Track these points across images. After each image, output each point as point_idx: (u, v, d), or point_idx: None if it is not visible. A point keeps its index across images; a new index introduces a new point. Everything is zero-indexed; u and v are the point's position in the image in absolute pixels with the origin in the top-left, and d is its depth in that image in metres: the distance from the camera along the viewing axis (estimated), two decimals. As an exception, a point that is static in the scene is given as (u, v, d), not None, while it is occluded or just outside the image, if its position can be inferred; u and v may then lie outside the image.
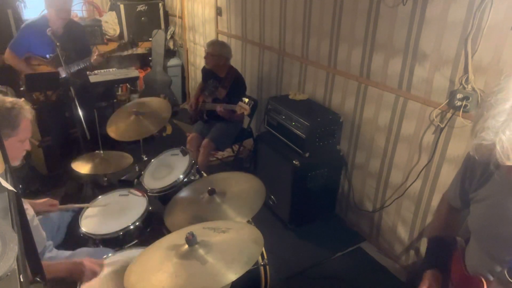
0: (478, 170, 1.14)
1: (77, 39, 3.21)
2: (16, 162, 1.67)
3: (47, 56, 3.08)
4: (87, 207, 2.10)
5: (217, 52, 3.23)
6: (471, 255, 1.20)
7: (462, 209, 1.31)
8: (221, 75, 3.32)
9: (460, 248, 1.28)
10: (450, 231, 1.37)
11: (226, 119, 3.26)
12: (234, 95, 3.22)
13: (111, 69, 4.18)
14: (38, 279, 0.94)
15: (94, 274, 1.63)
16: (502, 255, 1.08)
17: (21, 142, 1.63)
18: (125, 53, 3.34)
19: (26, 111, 1.63)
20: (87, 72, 3.28)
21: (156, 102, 2.72)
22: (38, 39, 3.03)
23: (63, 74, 2.96)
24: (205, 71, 3.47)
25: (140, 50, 4.99)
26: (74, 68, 3.05)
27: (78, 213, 2.08)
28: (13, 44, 3.09)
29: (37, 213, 1.99)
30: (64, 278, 1.63)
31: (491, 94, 0.92)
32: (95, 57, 3.13)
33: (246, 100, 2.90)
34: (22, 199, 1.20)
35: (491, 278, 1.12)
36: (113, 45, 4.75)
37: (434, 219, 1.87)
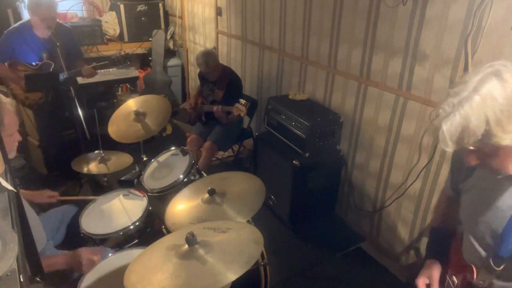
0: (464, 162, 1.17)
1: (65, 43, 3.09)
2: (11, 155, 1.65)
3: (33, 63, 3.01)
4: (91, 201, 2.10)
5: (213, 65, 3.25)
6: (464, 244, 1.25)
7: (457, 200, 1.33)
8: (216, 78, 3.34)
9: (459, 236, 1.31)
10: (449, 222, 1.40)
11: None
12: (231, 95, 3.23)
13: (111, 69, 4.18)
14: (38, 279, 0.94)
15: (92, 263, 1.64)
16: (487, 240, 1.11)
17: (10, 136, 1.59)
18: (119, 67, 3.33)
19: (7, 104, 1.58)
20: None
21: (156, 101, 2.72)
22: (22, 45, 2.96)
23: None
24: (201, 75, 3.49)
25: (140, 50, 4.99)
26: (64, 75, 2.96)
27: (78, 213, 2.08)
28: None
29: (39, 209, 2.00)
30: (64, 270, 1.65)
31: (455, 84, 0.96)
32: (86, 69, 3.08)
33: (243, 101, 2.91)
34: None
35: (480, 265, 1.15)
36: (113, 46, 4.76)
37: (434, 211, 1.92)
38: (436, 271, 1.31)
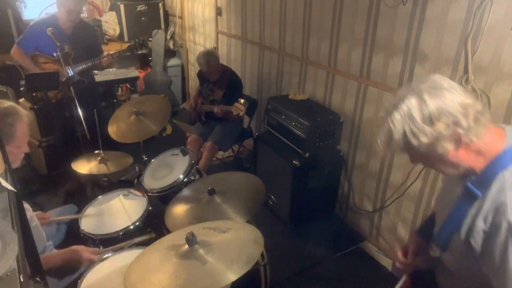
0: None
1: (87, 39, 3.20)
2: (15, 165, 1.65)
3: (54, 54, 3.08)
4: (80, 217, 2.06)
5: (214, 65, 3.26)
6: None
7: None
8: (217, 78, 3.34)
9: None
10: None
11: (224, 119, 3.28)
12: (231, 95, 3.23)
13: (111, 69, 4.18)
14: (38, 279, 0.94)
15: (91, 260, 1.64)
16: (438, 225, 1.23)
17: (18, 148, 1.59)
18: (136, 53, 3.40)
19: (22, 115, 1.58)
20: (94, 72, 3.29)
21: (156, 101, 2.72)
22: (46, 37, 3.01)
23: (68, 74, 2.96)
24: (201, 75, 3.50)
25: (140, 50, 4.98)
26: (79, 67, 3.03)
27: (78, 213, 2.08)
28: (20, 40, 3.09)
29: (37, 206, 1.99)
30: (62, 266, 1.65)
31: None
32: (104, 58, 3.14)
33: (242, 100, 2.92)
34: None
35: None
36: (113, 46, 4.76)
37: None
38: (413, 245, 1.42)
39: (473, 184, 1.05)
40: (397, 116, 1.02)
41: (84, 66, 3.05)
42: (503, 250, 0.97)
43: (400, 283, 1.38)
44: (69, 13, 2.98)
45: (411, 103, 1.01)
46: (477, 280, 1.11)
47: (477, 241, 1.04)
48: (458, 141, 1.00)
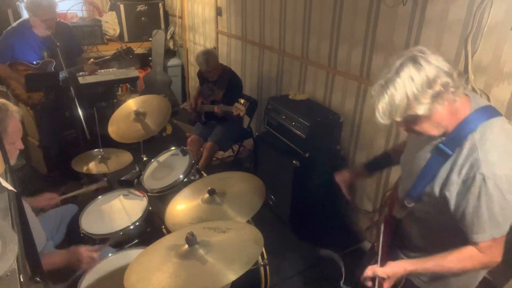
0: None
1: (65, 41, 3.08)
2: (11, 162, 1.65)
3: (34, 62, 3.01)
4: (85, 191, 2.13)
5: (213, 64, 3.26)
6: (400, 184, 1.53)
7: None
8: (216, 77, 3.35)
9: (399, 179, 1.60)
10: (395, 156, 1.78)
11: (224, 119, 3.28)
12: (231, 95, 3.24)
13: (111, 69, 4.17)
14: (38, 279, 0.94)
15: (92, 259, 1.64)
16: (407, 182, 1.37)
17: (12, 144, 1.59)
18: (121, 62, 3.34)
19: (14, 112, 1.58)
20: (77, 74, 3.21)
21: (156, 101, 2.72)
22: (23, 45, 2.95)
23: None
24: (200, 75, 3.50)
25: (140, 50, 4.98)
26: (64, 74, 2.92)
27: (78, 213, 2.08)
28: None
29: (40, 209, 2.00)
30: (63, 267, 1.65)
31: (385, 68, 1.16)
32: (88, 65, 3.10)
33: (242, 101, 2.92)
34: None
35: (400, 200, 1.43)
36: (113, 46, 4.76)
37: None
38: (351, 174, 1.73)
39: (444, 144, 1.18)
40: (398, 81, 1.09)
41: (63, 75, 2.92)
42: (478, 197, 1.12)
43: (381, 235, 1.53)
44: (45, 22, 2.88)
45: (409, 68, 1.09)
46: (443, 223, 1.28)
47: (451, 193, 1.17)
48: (446, 100, 1.11)
